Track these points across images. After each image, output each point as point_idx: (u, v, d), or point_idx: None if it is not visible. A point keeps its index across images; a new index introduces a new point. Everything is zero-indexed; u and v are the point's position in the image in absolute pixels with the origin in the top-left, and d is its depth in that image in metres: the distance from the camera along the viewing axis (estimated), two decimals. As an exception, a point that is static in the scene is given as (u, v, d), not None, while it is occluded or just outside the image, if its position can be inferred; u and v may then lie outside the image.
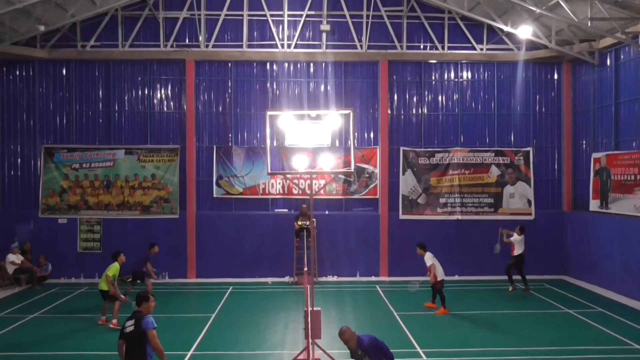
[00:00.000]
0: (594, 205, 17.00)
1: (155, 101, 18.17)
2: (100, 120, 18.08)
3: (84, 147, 17.92)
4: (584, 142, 18.06)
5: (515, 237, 15.43)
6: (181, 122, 18.12)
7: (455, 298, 15.10)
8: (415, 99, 18.56)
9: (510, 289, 15.29)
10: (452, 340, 11.46)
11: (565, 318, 13.28)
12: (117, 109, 18.12)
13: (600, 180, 16.67)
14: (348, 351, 10.02)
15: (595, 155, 17.03)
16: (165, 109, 18.21)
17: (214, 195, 18.10)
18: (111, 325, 12.09)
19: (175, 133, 18.13)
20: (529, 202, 18.53)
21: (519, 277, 15.76)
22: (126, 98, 18.15)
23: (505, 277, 16.06)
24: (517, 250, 15.24)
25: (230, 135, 18.24)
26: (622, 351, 10.68)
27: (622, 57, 16.01)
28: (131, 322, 6.91)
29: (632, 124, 15.52)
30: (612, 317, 13.17)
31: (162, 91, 18.21)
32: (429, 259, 13.88)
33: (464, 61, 18.50)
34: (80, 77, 18.04)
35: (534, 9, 15.18)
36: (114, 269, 12.48)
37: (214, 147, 18.10)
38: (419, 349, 10.84)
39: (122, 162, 17.95)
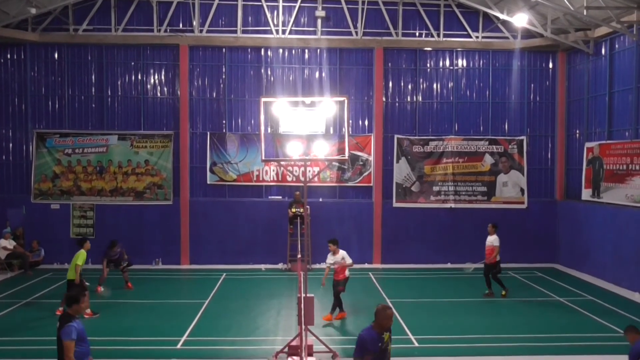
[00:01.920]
0: (586, 194, 17.11)
1: (148, 86, 18.05)
2: (93, 105, 17.95)
3: (77, 133, 17.80)
4: (577, 131, 18.12)
5: (492, 238, 14.14)
6: (175, 107, 18.02)
7: (447, 285, 15.25)
8: (410, 87, 18.54)
9: (504, 292, 14.24)
10: (444, 327, 11.57)
11: (555, 306, 13.42)
12: (110, 94, 17.99)
13: (593, 170, 16.76)
14: (339, 338, 10.11)
15: (588, 144, 17.09)
16: (158, 94, 18.09)
17: (208, 182, 18.07)
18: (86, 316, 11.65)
19: (169, 119, 18.03)
20: (522, 190, 18.63)
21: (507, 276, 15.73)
22: (119, 83, 18.01)
23: (501, 266, 16.15)
24: (498, 257, 14.00)
25: (224, 121, 18.16)
26: (610, 338, 10.81)
27: (617, 46, 16.02)
28: (58, 324, 6.22)
29: (625, 114, 15.57)
30: (602, 304, 13.32)
31: (156, 76, 18.08)
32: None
33: (459, 49, 18.46)
34: (73, 61, 17.87)
35: (530, -3, 15.14)
36: (81, 256, 12.12)
37: (208, 133, 18.03)
38: (411, 336, 10.95)
39: (115, 147, 17.85)
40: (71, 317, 6.17)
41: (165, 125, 18.03)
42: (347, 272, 12.50)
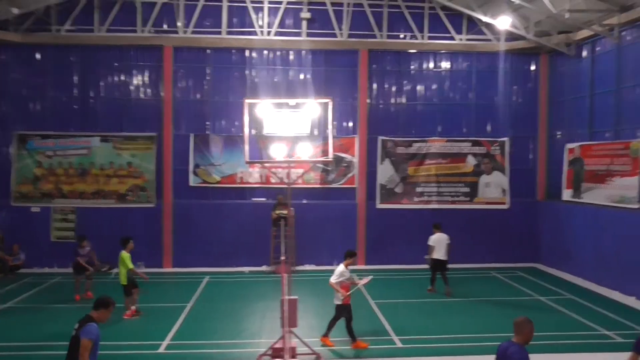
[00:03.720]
0: (567, 194, 17.32)
1: (131, 88, 17.88)
2: (75, 107, 17.73)
3: (58, 134, 17.55)
4: (558, 132, 18.32)
5: (433, 238, 14.55)
6: (158, 109, 17.87)
7: (428, 286, 15.33)
8: (394, 89, 18.60)
9: (446, 290, 14.52)
10: (427, 327, 11.63)
11: (536, 305, 13.56)
12: (92, 95, 17.78)
13: (574, 170, 16.96)
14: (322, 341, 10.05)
15: (569, 145, 17.29)
16: (142, 95, 17.93)
17: (191, 184, 17.95)
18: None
19: (152, 120, 17.86)
20: (504, 191, 18.81)
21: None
22: (102, 84, 17.82)
23: (478, 265, 16.79)
24: (437, 254, 14.34)
25: (208, 123, 18.06)
26: (590, 336, 10.96)
27: (598, 49, 16.22)
28: (77, 325, 6.13)
29: (606, 116, 15.78)
30: (582, 303, 13.50)
31: (139, 77, 17.92)
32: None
33: (443, 51, 18.56)
34: (55, 62, 17.63)
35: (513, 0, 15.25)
36: (126, 259, 12.06)
37: (191, 135, 17.91)
38: (394, 337, 10.99)
39: (98, 149, 17.65)
40: (93, 321, 6.10)
41: (148, 127, 17.86)
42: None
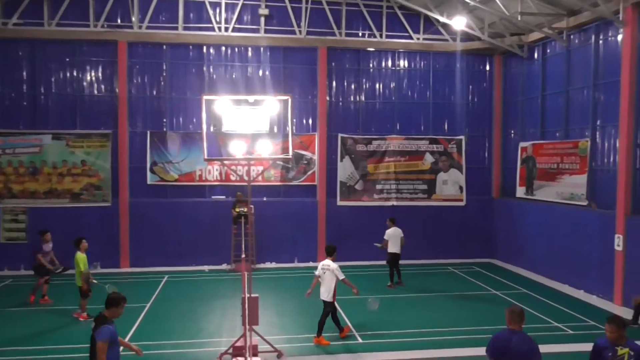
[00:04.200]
0: (520, 191, 17.84)
1: (85, 84, 17.40)
2: (25, 103, 17.11)
3: (7, 132, 16.90)
4: (512, 131, 18.83)
5: (389, 232, 14.96)
6: (113, 106, 17.45)
7: (387, 282, 15.52)
8: (353, 87, 18.72)
9: (389, 284, 15.01)
10: (387, 322, 11.79)
11: (492, 299, 13.94)
12: (43, 91, 17.21)
13: (527, 168, 17.48)
14: (284, 337, 10.14)
15: (522, 144, 17.80)
16: (95, 92, 17.47)
17: (148, 182, 17.64)
18: None
19: (107, 117, 17.44)
20: (461, 188, 19.21)
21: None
22: (53, 80, 17.25)
23: (436, 261, 17.36)
24: (392, 247, 14.81)
25: (165, 120, 17.78)
26: (543, 329, 11.30)
27: (549, 51, 16.73)
28: (93, 324, 6.39)
29: (556, 116, 16.30)
30: (536, 297, 13.94)
31: (93, 73, 17.44)
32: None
33: (401, 50, 18.81)
34: (2, 57, 16.95)
35: (468, 1, 15.57)
36: (81, 260, 11.81)
37: (148, 132, 17.60)
38: (355, 332, 11.10)
39: (50, 147, 17.10)
40: (106, 320, 6.27)
41: (102, 124, 17.43)
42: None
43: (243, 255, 10.08)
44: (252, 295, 9.47)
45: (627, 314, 12.12)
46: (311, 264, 18.02)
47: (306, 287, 14.91)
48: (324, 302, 10.62)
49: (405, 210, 18.53)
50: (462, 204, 19.16)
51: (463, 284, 15.60)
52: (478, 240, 19.10)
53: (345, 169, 18.62)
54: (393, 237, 14.93)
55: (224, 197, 18.00)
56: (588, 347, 9.57)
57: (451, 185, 19.16)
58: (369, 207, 18.66)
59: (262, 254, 17.84)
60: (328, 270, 10.58)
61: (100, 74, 17.46)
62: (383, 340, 10.67)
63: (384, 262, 17.00)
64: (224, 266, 17.49)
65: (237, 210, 16.95)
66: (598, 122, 14.52)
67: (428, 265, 18.01)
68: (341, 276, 10.46)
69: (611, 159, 14.11)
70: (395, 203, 18.78)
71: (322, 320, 10.59)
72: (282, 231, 18.01)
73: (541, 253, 16.48)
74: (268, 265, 17.89)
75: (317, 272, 10.77)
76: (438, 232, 18.85)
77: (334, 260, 10.65)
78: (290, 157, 11.74)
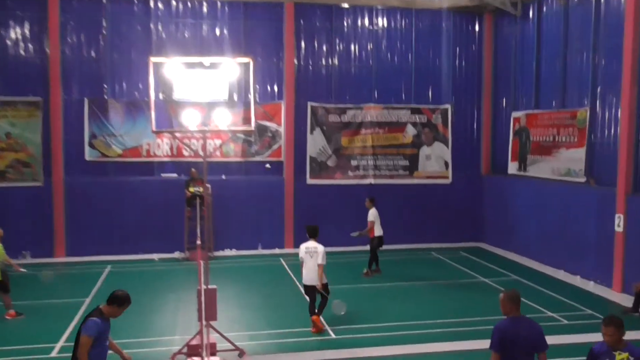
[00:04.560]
0: (512, 167, 18.14)
1: (8, 42, 16.85)
2: (-64, 65, 16.57)
3: None
4: (504, 100, 19.07)
5: (370, 213, 15.19)
6: (43, 69, 17.00)
7: (363, 269, 15.67)
8: (325, 48, 18.63)
9: (365, 270, 15.30)
10: (363, 315, 11.90)
11: (480, 287, 14.24)
12: (-42, 50, 16.67)
13: (520, 141, 17.76)
14: (246, 333, 10.11)
15: (515, 114, 18.06)
16: (22, 52, 16.95)
17: (87, 158, 17.41)
18: None
19: (36, 83, 16.98)
20: (446, 164, 19.45)
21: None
22: (-30, 37, 16.71)
23: (419, 245, 17.76)
24: (379, 230, 15.14)
25: (105, 85, 17.46)
26: (536, 319, 11.08)
27: (545, 9, 16.85)
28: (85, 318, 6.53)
29: (552, 82, 16.51)
30: (528, 284, 14.26)
31: (18, 30, 16.91)
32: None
33: (379, 6, 18.73)
34: None
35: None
36: None
37: (86, 99, 17.28)
38: (327, 327, 11.17)
39: (-32, 116, 16.62)
40: (101, 314, 6.38)
41: (31, 91, 16.97)
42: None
43: (198, 242, 10.00)
44: (210, 287, 9.45)
45: (627, 301, 12.50)
46: (277, 250, 18.14)
47: (272, 276, 15.31)
48: (310, 287, 10.97)
49: (384, 189, 18.70)
50: (448, 181, 19.42)
51: (448, 271, 15.87)
52: (465, 222, 19.43)
53: (315, 143, 18.62)
54: (377, 218, 15.12)
55: (175, 175, 17.89)
56: (585, 338, 9.99)
57: (435, 160, 19.36)
58: (343, 186, 18.79)
59: (221, 240, 17.82)
60: (316, 253, 10.88)
61: (27, 32, 16.93)
62: (359, 335, 10.78)
63: (359, 249, 17.21)
64: (177, 254, 17.44)
65: (191, 190, 16.84)
66: (598, 90, 14.71)
67: (409, 251, 18.28)
68: (322, 261, 10.85)
69: (612, 131, 14.35)
70: (372, 181, 18.93)
71: (322, 302, 11.07)
72: (243, 214, 18.02)
73: (534, 236, 16.84)
74: (227, 252, 17.91)
75: (300, 256, 11.13)
76: (420, 213, 19.11)
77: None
78: (253, 129, 11.72)
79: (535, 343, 5.86)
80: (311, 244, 11.05)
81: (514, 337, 5.81)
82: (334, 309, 11.11)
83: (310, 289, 11.07)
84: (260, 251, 18.12)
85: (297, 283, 14.21)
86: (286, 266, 16.32)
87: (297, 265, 15.94)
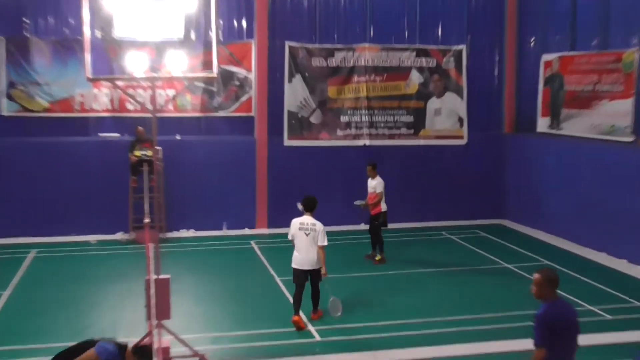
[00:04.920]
0: (542, 124, 18.15)
1: None
2: None
3: None
4: (532, 39, 18.97)
5: (373, 182, 15.17)
6: (-57, -3, 16.68)
7: (360, 253, 15.75)
8: (307, -28, 18.46)
9: (378, 257, 15.32)
10: (356, 311, 11.85)
11: (502, 274, 14.29)
12: None
13: (552, 91, 17.74)
14: (208, 335, 9.97)
15: (545, 57, 17.99)
16: None
17: (4, 113, 17.26)
18: None
19: None
20: (460, 120, 19.42)
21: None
22: None
23: (426, 224, 18.02)
24: (383, 205, 15.15)
25: (27, 20, 17.21)
26: None
27: None
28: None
29: (592, 18, 16.42)
30: (562, 271, 14.08)
31: None
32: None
33: None
34: None
35: None
36: None
37: (2, 39, 17.05)
38: (310, 327, 11.12)
39: None
40: (122, 357, 7.03)
41: None
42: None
43: (147, 220, 9.89)
44: (161, 276, 9.38)
45: (684, 289, 12.58)
46: (247, 231, 18.18)
47: (240, 263, 15.39)
48: (310, 271, 11.14)
49: (382, 152, 18.60)
50: (462, 142, 19.44)
51: (462, 255, 15.91)
52: (483, 193, 19.50)
53: (295, 94, 18.49)
54: (380, 186, 15.05)
55: (117, 134, 17.79)
56: (634, 337, 10.02)
57: (446, 116, 19.31)
58: (331, 149, 18.71)
59: (176, 217, 17.78)
60: (314, 231, 11.02)
61: None
62: (352, 337, 10.73)
63: (351, 228, 17.49)
64: (119, 235, 17.42)
65: (137, 154, 16.71)
66: (651, 26, 14.69)
67: (414, 230, 18.39)
68: (323, 242, 11.06)
69: (668, 77, 14.36)
70: (368, 142, 18.86)
71: (315, 293, 11.39)
72: (203, 184, 17.97)
73: (568, 210, 16.87)
74: (184, 233, 17.93)
75: (291, 234, 11.22)
76: (428, 183, 19.16)
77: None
78: (215, 75, 11.54)
79: (578, 327, 6.30)
80: (307, 219, 11.16)
81: (564, 324, 6.14)
82: (330, 310, 11.31)
83: (301, 275, 11.15)
84: (226, 232, 18.12)
85: (272, 272, 14.37)
86: (258, 251, 16.27)
87: (273, 249, 16.44)
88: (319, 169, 18.57)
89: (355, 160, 18.52)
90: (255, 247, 16.66)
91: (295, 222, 11.24)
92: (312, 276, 11.16)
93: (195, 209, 18.00)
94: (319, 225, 11.05)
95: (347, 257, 15.45)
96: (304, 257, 11.09)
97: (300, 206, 11.32)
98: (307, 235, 11.02)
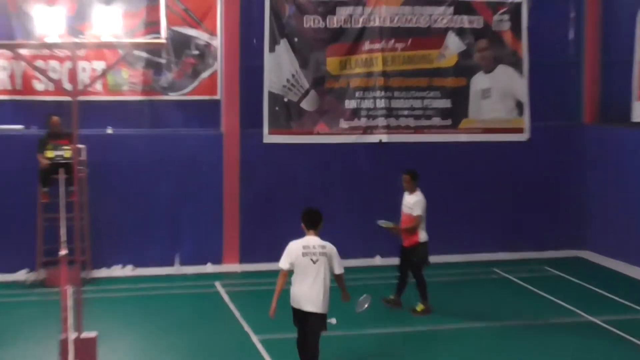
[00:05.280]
0: (639, 110, 18.05)
1: None
2: None
3: None
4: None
5: (411, 200, 15.12)
6: None
7: (372, 299, 15.37)
8: None
9: (420, 307, 15.24)
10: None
11: (586, 332, 14.03)
12: None
13: (653, 63, 17.75)
14: None
15: (644, 12, 18.05)
16: None
17: None
18: None
19: None
20: (519, 106, 19.43)
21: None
22: None
23: (471, 258, 18.45)
24: (423, 234, 15.09)
25: None
26: None
27: None
28: None
29: None
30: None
31: None
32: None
33: None
34: None
35: None
36: None
37: None
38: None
39: None
40: None
41: None
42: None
43: (63, 252, 9.72)
44: (84, 335, 9.50)
45: None
46: (210, 268, 18.31)
47: (200, 316, 15.23)
48: (311, 315, 10.88)
49: (406, 151, 18.53)
50: (523, 137, 19.49)
51: (526, 303, 15.86)
52: (554, 212, 19.49)
53: (280, 68, 18.56)
54: (425, 210, 14.92)
55: (21, 126, 17.79)
56: None
57: (499, 99, 19.41)
58: (332, 148, 18.78)
59: (106, 248, 17.81)
60: (323, 255, 10.86)
61: None
62: None
63: (355, 262, 17.24)
64: (23, 275, 17.40)
65: (51, 154, 16.74)
66: None
67: (455, 266, 18.49)
68: (340, 269, 11.10)
69: None
70: (385, 138, 18.86)
71: (313, 349, 11.07)
72: (148, 200, 18.06)
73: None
74: (118, 271, 18.00)
75: (289, 262, 10.95)
76: (473, 198, 19.21)
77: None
78: (164, 41, 11.39)
79: None
80: (313, 240, 10.97)
81: None
82: (358, 306, 11.70)
83: (308, 319, 10.91)
84: (179, 269, 18.18)
85: (247, 327, 14.21)
86: (226, 297, 16.30)
87: (247, 294, 16.50)
88: (314, 177, 18.58)
89: (367, 164, 18.79)
90: (222, 290, 16.61)
91: (296, 245, 10.94)
92: (310, 323, 10.89)
93: (134, 236, 18.02)
94: (329, 247, 10.93)
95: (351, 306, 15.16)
96: (306, 293, 10.80)
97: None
98: (314, 262, 10.80)
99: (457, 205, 18.97)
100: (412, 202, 14.83)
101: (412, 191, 14.97)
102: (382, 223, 15.33)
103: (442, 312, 15.05)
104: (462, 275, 17.81)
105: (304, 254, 10.78)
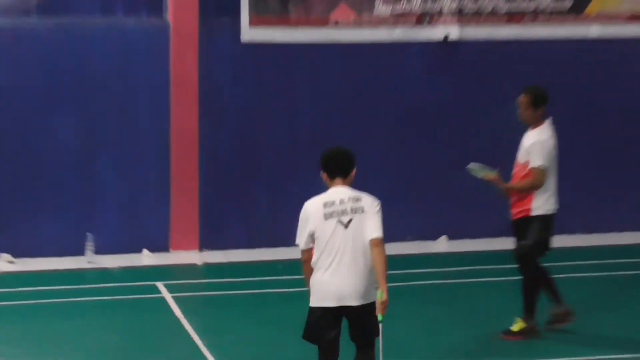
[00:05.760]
0: None
1: None
2: None
3: None
4: None
5: (528, 140, 14.65)
6: None
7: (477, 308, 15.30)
8: None
9: (519, 325, 14.60)
10: None
11: None
12: None
13: None
14: None
15: None
16: None
17: None
18: None
19: None
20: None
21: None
22: None
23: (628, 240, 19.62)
24: (541, 200, 14.68)
25: None
26: None
27: None
28: None
29: None
30: None
31: None
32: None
33: None
34: None
35: None
36: None
37: None
38: None
39: None
40: None
41: None
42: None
43: None
44: None
45: None
46: (146, 257, 18.92)
47: (133, 334, 15.15)
48: (354, 311, 10.39)
49: (491, 57, 19.28)
50: None
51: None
52: None
53: None
54: (550, 155, 14.32)
55: None
56: None
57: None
58: (361, 49, 19.31)
59: None
60: (359, 212, 10.34)
61: None
62: None
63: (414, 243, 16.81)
64: None
65: None
66: None
67: (583, 253, 18.73)
68: (376, 232, 10.32)
69: None
70: (455, 33, 19.29)
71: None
72: (34, 147, 18.74)
73: None
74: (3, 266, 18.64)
75: (309, 230, 10.39)
76: (618, 142, 19.39)
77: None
78: None
79: None
80: (341, 191, 10.43)
81: None
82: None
83: (332, 323, 10.35)
84: (92, 260, 18.58)
85: (206, 352, 13.67)
86: (174, 304, 16.32)
87: (207, 300, 16.96)
88: (330, 104, 19.07)
89: (424, 79, 18.56)
90: (168, 295, 16.69)
91: (313, 206, 10.35)
92: (356, 322, 10.36)
93: (14, 209, 18.43)
94: (367, 199, 10.32)
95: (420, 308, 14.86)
96: (345, 278, 10.25)
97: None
98: (345, 226, 10.21)
99: (591, 155, 19.03)
100: (530, 144, 14.10)
101: (535, 124, 14.16)
102: (474, 168, 14.71)
103: (582, 337, 14.45)
104: (595, 270, 17.56)
105: (326, 216, 10.12)
